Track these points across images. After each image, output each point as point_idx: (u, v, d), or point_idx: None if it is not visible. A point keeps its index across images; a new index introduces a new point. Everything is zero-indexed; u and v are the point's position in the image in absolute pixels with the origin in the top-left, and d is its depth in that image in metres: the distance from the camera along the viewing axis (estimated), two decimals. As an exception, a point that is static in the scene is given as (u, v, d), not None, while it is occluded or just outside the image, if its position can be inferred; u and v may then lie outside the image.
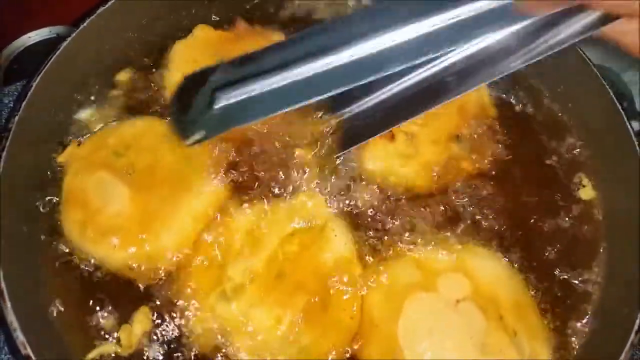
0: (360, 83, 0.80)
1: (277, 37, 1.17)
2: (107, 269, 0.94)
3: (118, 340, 0.89)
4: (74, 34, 1.04)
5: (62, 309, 0.92)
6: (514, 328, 0.87)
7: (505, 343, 0.85)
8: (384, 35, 0.78)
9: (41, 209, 0.99)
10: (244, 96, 0.82)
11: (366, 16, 0.80)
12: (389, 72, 0.79)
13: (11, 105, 1.30)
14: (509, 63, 0.84)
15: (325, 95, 0.81)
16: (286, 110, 0.83)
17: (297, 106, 0.83)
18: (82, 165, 0.99)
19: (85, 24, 1.06)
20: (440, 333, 0.86)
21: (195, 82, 0.86)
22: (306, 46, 0.81)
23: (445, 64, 0.89)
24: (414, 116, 0.94)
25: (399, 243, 0.97)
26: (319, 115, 1.03)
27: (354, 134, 0.99)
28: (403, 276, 0.92)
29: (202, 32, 1.16)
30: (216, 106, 0.83)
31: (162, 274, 0.94)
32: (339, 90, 0.81)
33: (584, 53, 1.07)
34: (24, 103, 0.96)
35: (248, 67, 0.83)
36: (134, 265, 0.93)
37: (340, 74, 0.79)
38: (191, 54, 1.12)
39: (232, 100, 0.83)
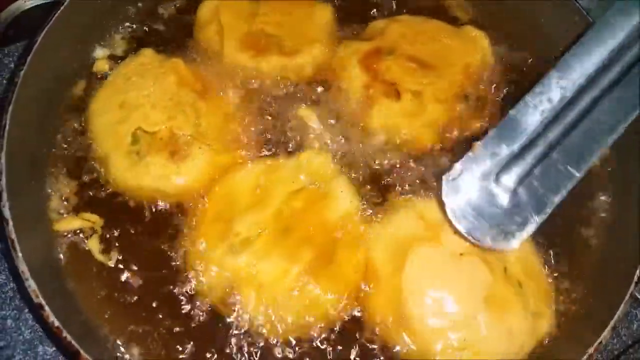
0: None
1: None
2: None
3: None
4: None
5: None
6: (518, 279, 0.89)
7: (510, 294, 0.87)
8: None
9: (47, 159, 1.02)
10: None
11: None
12: None
13: (11, 66, 1.29)
14: None
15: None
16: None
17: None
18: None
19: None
20: (443, 285, 0.88)
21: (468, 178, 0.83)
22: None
23: None
24: None
25: (404, 200, 0.98)
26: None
27: None
28: (407, 228, 0.93)
29: None
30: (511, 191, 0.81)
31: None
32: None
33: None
34: (29, 57, 0.96)
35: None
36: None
37: None
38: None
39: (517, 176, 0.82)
